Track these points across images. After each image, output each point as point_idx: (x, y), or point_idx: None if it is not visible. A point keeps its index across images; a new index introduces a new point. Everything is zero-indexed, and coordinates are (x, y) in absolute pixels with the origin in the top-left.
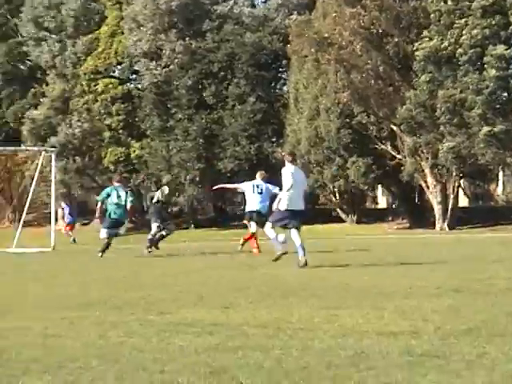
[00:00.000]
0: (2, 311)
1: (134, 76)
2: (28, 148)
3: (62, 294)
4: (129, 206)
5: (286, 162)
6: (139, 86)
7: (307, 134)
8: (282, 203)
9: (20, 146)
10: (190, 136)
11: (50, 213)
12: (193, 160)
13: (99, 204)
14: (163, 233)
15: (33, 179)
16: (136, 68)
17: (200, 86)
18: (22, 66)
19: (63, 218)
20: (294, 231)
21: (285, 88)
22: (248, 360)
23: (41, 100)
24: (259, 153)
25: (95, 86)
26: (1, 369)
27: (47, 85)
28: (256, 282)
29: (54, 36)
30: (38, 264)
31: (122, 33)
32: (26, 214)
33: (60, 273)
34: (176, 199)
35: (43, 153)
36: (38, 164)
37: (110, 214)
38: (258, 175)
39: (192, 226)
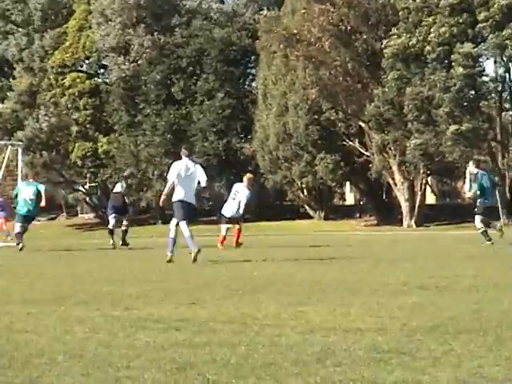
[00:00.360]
0: None
1: (102, 70)
2: None
3: (28, 289)
4: (43, 193)
5: (183, 156)
6: (107, 81)
7: (275, 130)
8: (174, 195)
9: None
10: (158, 131)
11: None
12: (161, 155)
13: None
14: (123, 228)
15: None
16: (104, 62)
17: (168, 82)
18: None
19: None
20: (182, 223)
21: (253, 84)
22: (214, 356)
23: (8, 94)
24: (228, 148)
25: (63, 80)
26: None
27: (14, 78)
28: (223, 277)
29: (21, 29)
30: (2, 259)
31: (90, 27)
32: None
33: (25, 268)
34: (143, 194)
35: (10, 147)
36: (4, 158)
37: (20, 210)
38: (246, 179)
39: (159, 221)
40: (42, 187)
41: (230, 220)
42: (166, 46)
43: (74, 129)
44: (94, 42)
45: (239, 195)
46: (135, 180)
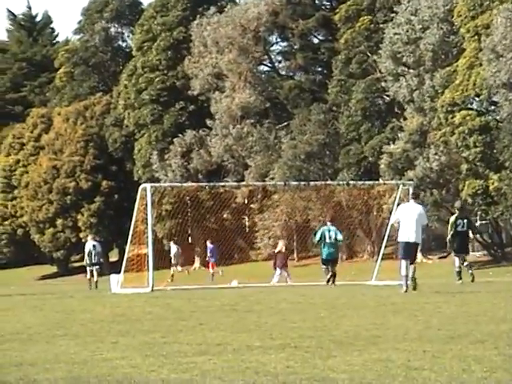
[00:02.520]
0: (365, 343)
1: (493, 107)
2: (386, 182)
3: (424, 327)
4: (339, 244)
5: (410, 199)
6: (497, 118)
7: None
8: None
9: (378, 179)
10: None
11: None
12: None
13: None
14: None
15: (391, 213)
16: (494, 99)
17: None
18: (380, 102)
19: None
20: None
21: None
22: None
23: (398, 134)
24: None
25: (452, 118)
26: None
27: (405, 119)
28: None
29: (411, 71)
30: (398, 297)
31: (481, 64)
32: (385, 246)
33: (421, 305)
34: None
35: (401, 186)
36: (395, 198)
37: (323, 252)
38: None
39: None
40: (339, 234)
41: None
42: None
43: (464, 167)
44: (485, 79)
45: None
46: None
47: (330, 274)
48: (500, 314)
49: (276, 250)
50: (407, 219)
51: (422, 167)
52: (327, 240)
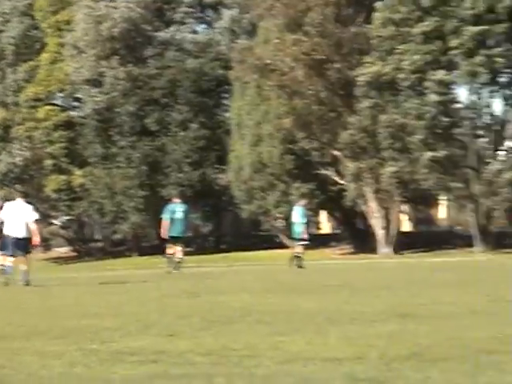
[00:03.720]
0: None
1: (76, 103)
2: None
3: (6, 323)
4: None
5: (17, 198)
6: (81, 114)
7: (250, 160)
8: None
9: None
10: (132, 163)
11: None
12: (136, 187)
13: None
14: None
15: None
16: (78, 95)
17: (142, 113)
18: None
19: None
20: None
21: (227, 114)
22: None
23: None
24: (203, 179)
25: (36, 113)
26: None
27: None
28: (200, 309)
29: None
30: None
31: (64, 60)
32: None
33: (1, 302)
34: (118, 227)
35: None
36: None
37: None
38: None
39: (136, 253)
40: None
41: None
42: (139, 77)
43: (49, 162)
44: (68, 75)
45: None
46: (111, 213)
47: None
48: (82, 309)
49: None
50: (13, 216)
51: (5, 162)
52: None
